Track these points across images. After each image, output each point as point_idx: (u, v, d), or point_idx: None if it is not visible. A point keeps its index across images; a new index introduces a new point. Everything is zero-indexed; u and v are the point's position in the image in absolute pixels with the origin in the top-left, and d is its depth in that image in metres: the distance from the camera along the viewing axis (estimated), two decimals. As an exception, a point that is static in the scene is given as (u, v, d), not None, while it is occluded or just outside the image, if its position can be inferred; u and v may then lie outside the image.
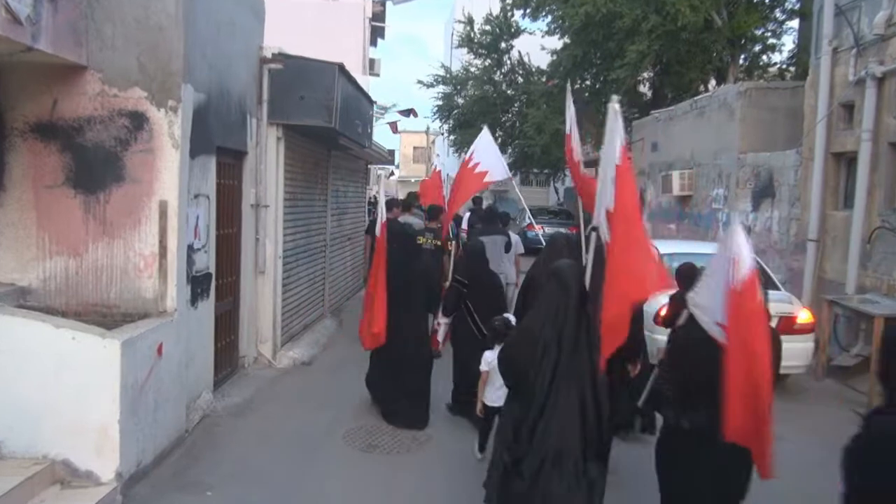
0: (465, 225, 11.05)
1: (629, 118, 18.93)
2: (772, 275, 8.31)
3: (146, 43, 5.23)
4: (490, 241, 7.78)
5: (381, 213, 6.32)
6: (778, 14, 16.51)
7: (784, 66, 17.35)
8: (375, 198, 26.10)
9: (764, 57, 17.14)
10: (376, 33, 27.81)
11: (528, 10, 20.03)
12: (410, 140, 57.13)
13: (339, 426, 6.05)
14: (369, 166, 16.40)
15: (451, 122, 25.76)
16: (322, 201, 10.17)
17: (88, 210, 5.25)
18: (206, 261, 6.19)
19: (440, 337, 6.67)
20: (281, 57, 7.43)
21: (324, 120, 7.62)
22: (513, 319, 5.35)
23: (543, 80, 21.65)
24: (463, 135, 23.92)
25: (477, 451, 5.48)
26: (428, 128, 46.09)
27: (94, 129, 5.23)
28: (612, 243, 3.48)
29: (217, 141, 6.29)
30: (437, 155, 36.44)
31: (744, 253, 3.00)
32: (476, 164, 7.84)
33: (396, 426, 6.04)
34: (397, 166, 59.93)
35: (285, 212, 8.18)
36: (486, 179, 7.87)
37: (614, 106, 3.63)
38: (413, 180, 43.60)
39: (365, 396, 6.68)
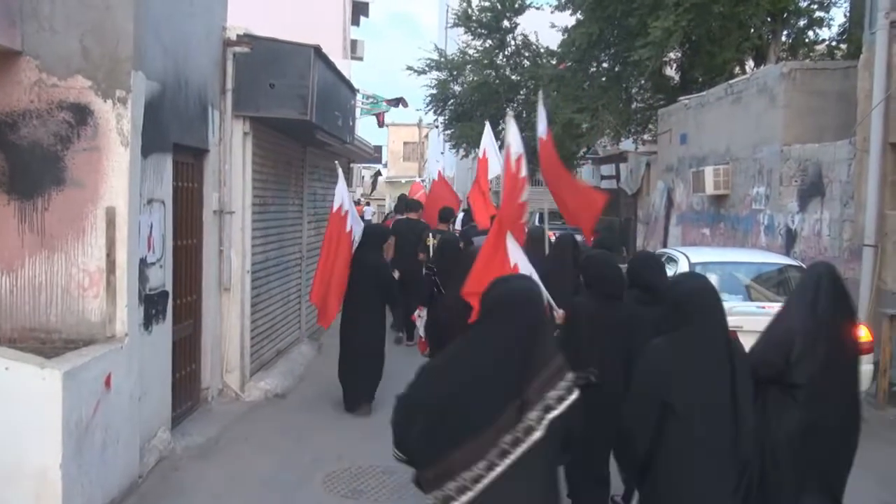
0: (458, 225, 11.36)
1: (654, 105, 19.09)
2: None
3: (90, 23, 5.25)
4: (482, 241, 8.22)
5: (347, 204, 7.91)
6: (826, -18, 16.67)
7: (834, 44, 17.39)
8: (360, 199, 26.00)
9: (810, 33, 17.18)
10: (359, 11, 27.96)
11: (534, -18, 20.27)
12: (400, 134, 57.48)
13: (318, 469, 6.06)
14: (352, 165, 16.49)
15: (447, 113, 25.75)
16: (297, 206, 10.20)
17: (24, 219, 5.25)
18: (162, 277, 6.19)
19: (420, 329, 8.19)
20: (247, 39, 7.44)
21: (298, 111, 7.64)
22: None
23: (553, 62, 21.72)
24: (461, 128, 23.95)
25: None
26: (420, 120, 46.21)
27: (30, 124, 5.24)
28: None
29: (174, 137, 6.30)
30: (442, 153, 36.37)
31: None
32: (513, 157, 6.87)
33: (356, 414, 7.44)
34: (385, 165, 60.24)
35: (254, 219, 8.20)
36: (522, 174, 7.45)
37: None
38: (404, 181, 43.55)
39: (348, 434, 6.68)
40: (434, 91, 25.43)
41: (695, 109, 15.16)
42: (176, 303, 6.59)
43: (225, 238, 7.63)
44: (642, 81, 18.93)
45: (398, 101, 22.53)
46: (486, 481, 2.71)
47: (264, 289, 8.76)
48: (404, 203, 11.88)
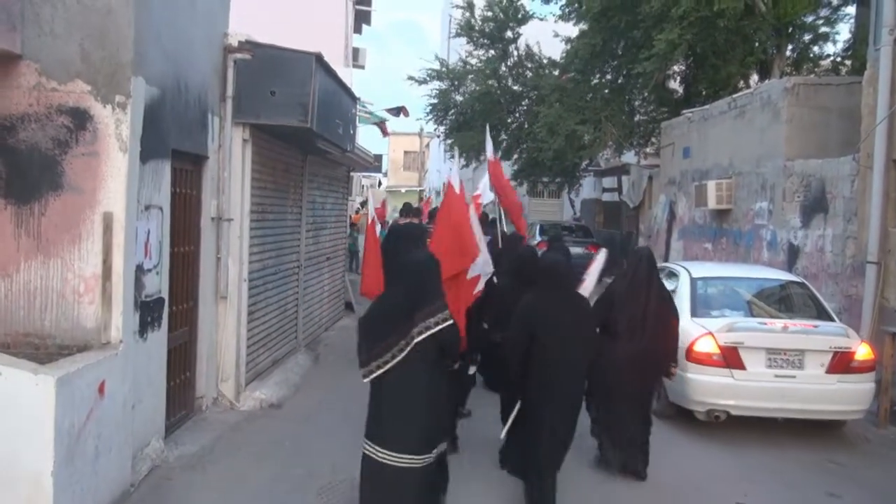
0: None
1: (657, 118, 19.11)
2: (824, 303, 8.38)
3: (91, 28, 5.28)
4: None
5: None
6: (831, -3, 16.75)
7: (838, 59, 17.44)
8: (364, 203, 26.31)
9: (815, 48, 17.30)
10: (361, 19, 28.00)
11: (538, -9, 20.38)
12: (401, 143, 57.79)
13: (313, 481, 6.01)
14: (352, 174, 16.49)
15: (448, 122, 25.79)
16: (296, 214, 10.21)
17: (20, 223, 5.26)
18: (158, 284, 6.19)
19: None
20: (249, 46, 7.49)
21: (298, 119, 7.65)
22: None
23: (556, 73, 21.76)
24: (461, 138, 23.88)
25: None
26: (422, 129, 46.35)
27: (29, 128, 5.26)
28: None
29: (173, 143, 6.31)
30: (452, 157, 35.54)
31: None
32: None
33: None
34: (385, 174, 60.32)
35: (252, 227, 8.21)
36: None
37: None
38: (404, 190, 43.57)
39: (344, 445, 6.61)
40: (435, 100, 25.45)
41: (698, 123, 15.23)
42: (172, 310, 6.59)
43: (223, 246, 7.63)
44: (646, 94, 19.04)
45: (399, 110, 22.45)
46: (391, 363, 4.64)
47: (261, 297, 8.75)
48: (408, 209, 12.68)
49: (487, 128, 10.96)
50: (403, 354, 4.62)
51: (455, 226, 6.28)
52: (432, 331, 4.63)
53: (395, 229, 9.51)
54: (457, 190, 6.49)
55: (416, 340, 4.60)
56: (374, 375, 4.70)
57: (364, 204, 30.57)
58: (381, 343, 4.66)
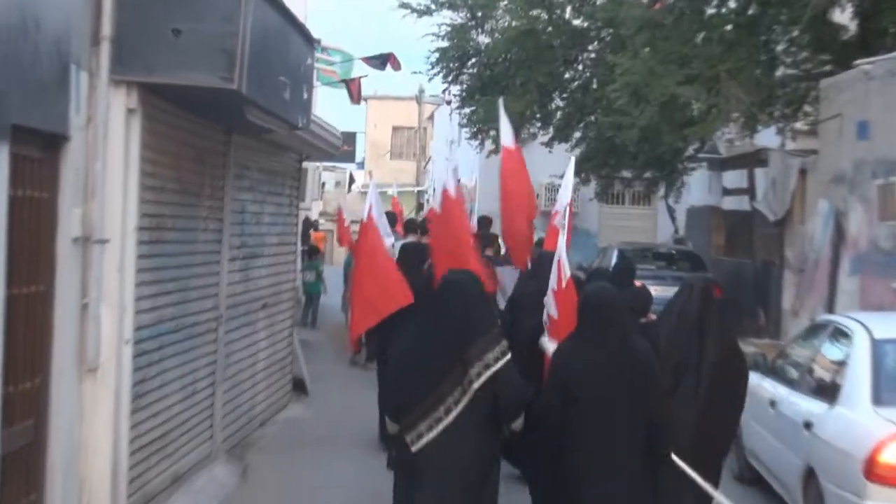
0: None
1: (812, 74, 17.10)
2: None
3: None
4: (504, 272, 11.30)
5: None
6: None
7: None
8: (307, 222, 25.74)
9: None
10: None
11: None
12: (386, 114, 50.42)
13: None
14: (305, 164, 15.21)
15: (465, 80, 22.85)
16: (214, 233, 9.67)
17: None
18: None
19: None
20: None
21: (219, 75, 7.19)
22: None
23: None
24: (488, 105, 20.83)
25: None
26: (421, 91, 40.89)
27: None
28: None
29: (12, 115, 5.90)
30: (455, 142, 28.04)
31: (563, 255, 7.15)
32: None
33: None
34: (361, 165, 51.97)
35: (142, 253, 7.72)
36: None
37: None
38: (390, 191, 37.61)
39: None
40: (445, 44, 22.44)
41: (882, 81, 13.98)
42: (6, 391, 6.07)
43: (92, 284, 7.09)
44: (794, 33, 16.83)
45: (384, 60, 20.90)
46: (447, 420, 5.21)
47: (155, 370, 8.23)
48: (410, 225, 12.76)
49: (501, 104, 10.84)
50: (461, 407, 5.04)
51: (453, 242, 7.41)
52: (493, 368, 5.10)
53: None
54: (452, 194, 7.22)
55: (475, 385, 5.07)
56: (426, 441, 5.10)
57: (315, 226, 29.72)
58: (432, 393, 5.09)
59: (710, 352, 6.40)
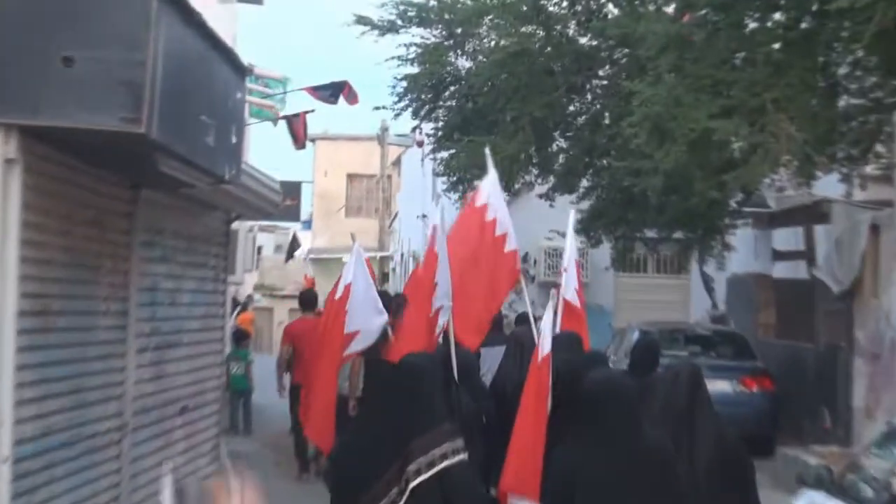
0: None
1: (888, 105, 14.84)
2: None
3: None
4: (491, 354, 9.69)
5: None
6: None
7: None
8: (235, 300, 23.37)
9: None
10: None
11: None
12: (339, 159, 45.34)
13: None
14: (235, 226, 13.87)
15: (442, 116, 19.97)
16: (117, 316, 8.89)
17: None
18: None
19: None
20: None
21: (121, 116, 6.68)
22: None
23: (669, 10, 16.38)
24: (471, 148, 17.76)
25: None
26: (384, 130, 35.84)
27: None
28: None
29: None
30: (444, 193, 21.81)
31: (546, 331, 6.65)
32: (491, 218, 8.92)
33: None
34: (307, 224, 47.19)
35: (22, 345, 7.13)
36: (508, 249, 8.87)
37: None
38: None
39: None
40: (415, 69, 19.65)
41: None
42: None
43: None
44: (858, 52, 14.24)
45: (337, 91, 18.53)
46: None
47: (42, 496, 7.68)
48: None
49: (488, 152, 9.54)
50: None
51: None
52: (438, 467, 4.79)
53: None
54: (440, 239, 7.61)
55: (412, 484, 4.77)
56: None
57: (244, 306, 26.37)
58: (365, 496, 4.88)
59: (704, 447, 6.19)
